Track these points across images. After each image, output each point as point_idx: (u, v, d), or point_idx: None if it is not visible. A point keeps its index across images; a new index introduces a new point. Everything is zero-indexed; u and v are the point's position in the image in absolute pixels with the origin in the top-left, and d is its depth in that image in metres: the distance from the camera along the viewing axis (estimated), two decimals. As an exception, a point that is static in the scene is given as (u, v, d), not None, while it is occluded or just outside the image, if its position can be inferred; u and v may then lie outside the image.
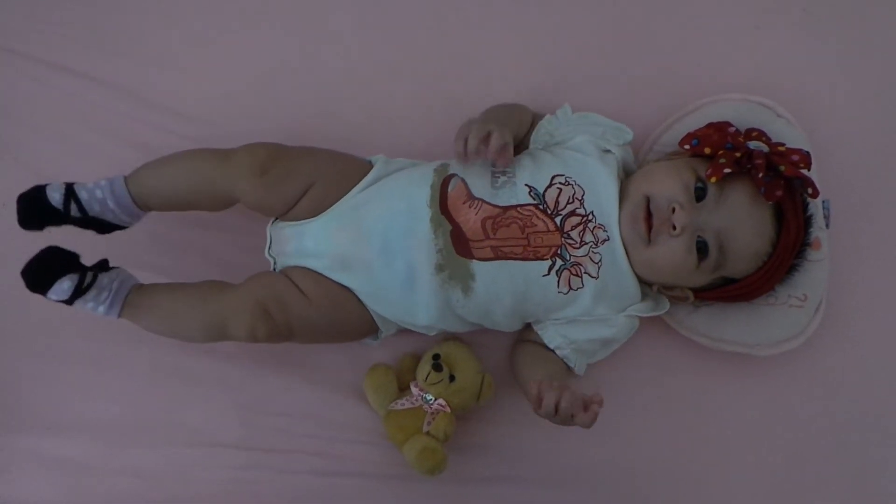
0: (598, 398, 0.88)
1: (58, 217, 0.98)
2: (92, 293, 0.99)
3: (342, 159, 1.06)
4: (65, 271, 0.97)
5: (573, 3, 1.22)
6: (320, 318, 1.02)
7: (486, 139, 0.95)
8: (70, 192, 0.98)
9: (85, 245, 1.02)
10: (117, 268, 1.03)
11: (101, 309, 1.00)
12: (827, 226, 1.11)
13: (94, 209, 0.99)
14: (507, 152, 0.96)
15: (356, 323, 1.06)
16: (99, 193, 0.99)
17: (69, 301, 0.98)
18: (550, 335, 1.06)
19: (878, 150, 1.20)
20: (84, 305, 0.99)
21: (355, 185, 1.03)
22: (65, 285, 0.97)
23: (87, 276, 0.98)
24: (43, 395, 1.13)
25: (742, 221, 0.97)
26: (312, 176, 1.02)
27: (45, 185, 0.99)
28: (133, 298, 1.02)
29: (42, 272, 0.97)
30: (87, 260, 1.01)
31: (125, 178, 1.01)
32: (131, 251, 1.10)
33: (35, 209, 0.97)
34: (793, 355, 1.12)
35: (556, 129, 1.09)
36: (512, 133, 1.01)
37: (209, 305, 1.01)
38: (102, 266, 1.02)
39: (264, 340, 1.00)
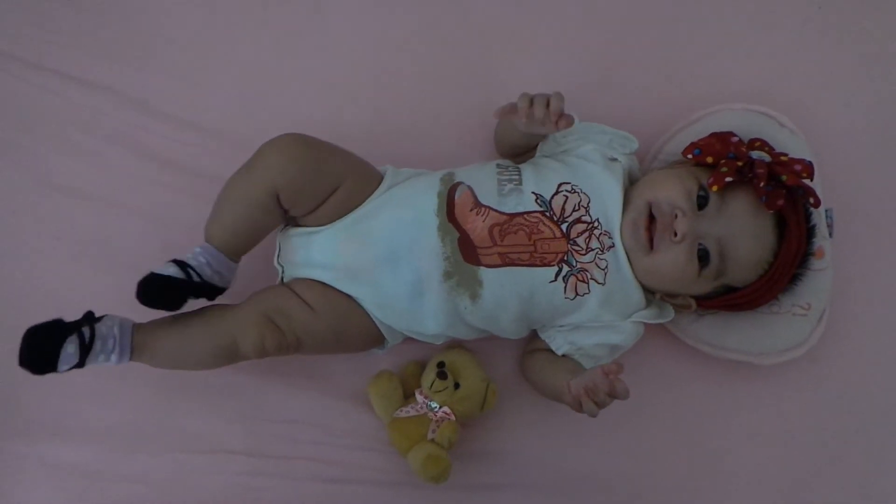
0: (616, 370, 0.88)
1: (181, 288, 0.96)
2: (98, 345, 0.95)
3: (364, 164, 1.06)
4: (62, 338, 0.93)
5: (578, 14, 1.23)
6: (326, 329, 1.03)
7: (547, 105, 0.93)
8: (181, 263, 0.97)
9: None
10: (105, 315, 0.99)
11: (114, 358, 0.97)
12: (830, 235, 1.11)
13: (206, 273, 0.99)
14: (568, 117, 0.94)
15: (362, 334, 1.06)
16: (202, 259, 0.99)
17: (80, 363, 0.95)
18: (558, 342, 1.06)
19: (881, 160, 1.22)
20: (96, 360, 0.96)
21: (371, 195, 1.03)
22: (69, 350, 0.93)
23: (85, 332, 0.94)
24: (48, 402, 1.13)
25: (743, 230, 0.97)
26: (342, 173, 1.01)
27: (154, 271, 0.96)
28: (139, 340, 0.99)
29: (41, 352, 0.93)
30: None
31: (207, 240, 1.01)
32: (143, 262, 1.10)
33: (163, 290, 0.95)
34: (796, 364, 1.13)
35: (564, 137, 1.09)
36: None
37: (215, 328, 1.01)
38: (90, 318, 0.97)
39: (273, 353, 1.00)
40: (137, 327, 1.00)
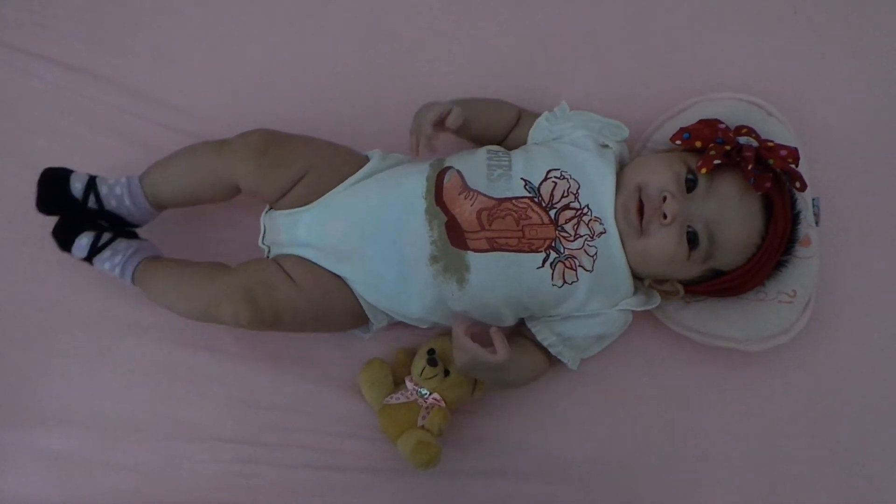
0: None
1: (73, 206, 1.04)
2: (107, 252, 1.05)
3: (338, 150, 1.08)
4: (81, 228, 1.04)
5: (568, 3, 1.23)
6: (308, 305, 1.03)
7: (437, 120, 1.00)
8: (91, 184, 1.04)
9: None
10: (143, 239, 1.09)
11: (117, 271, 1.06)
12: (816, 223, 1.12)
13: (111, 204, 1.05)
14: (453, 118, 1.00)
15: (345, 313, 1.07)
16: (118, 190, 1.04)
17: (89, 258, 1.05)
18: (544, 333, 1.07)
19: (867, 150, 1.22)
20: (102, 265, 1.05)
21: (350, 176, 1.05)
22: (83, 241, 1.04)
23: (104, 237, 1.04)
24: (38, 390, 1.13)
25: (732, 212, 0.98)
26: (308, 163, 1.03)
27: (72, 172, 1.04)
28: (143, 267, 1.07)
29: (63, 231, 1.04)
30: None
31: (139, 178, 1.06)
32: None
33: (55, 194, 1.04)
34: (782, 350, 1.14)
35: (555, 125, 1.10)
36: (475, 111, 1.06)
37: (201, 285, 1.04)
38: (127, 233, 1.08)
39: (247, 326, 1.01)
40: (147, 259, 1.08)
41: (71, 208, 1.04)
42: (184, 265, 1.08)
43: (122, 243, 1.06)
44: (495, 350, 0.97)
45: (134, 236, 1.09)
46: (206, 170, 1.05)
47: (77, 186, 1.04)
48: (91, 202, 1.04)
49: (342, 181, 1.04)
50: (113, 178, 1.05)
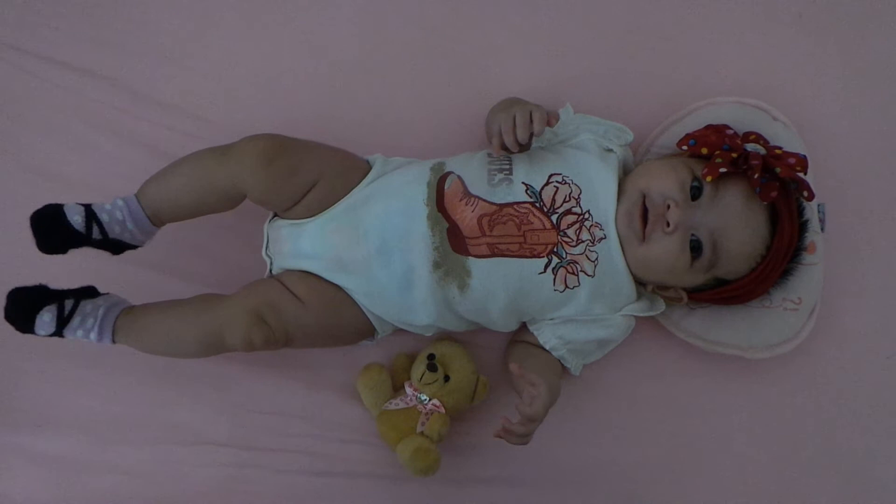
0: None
1: (78, 240, 0.95)
2: (76, 320, 0.97)
3: (345, 158, 1.06)
4: (39, 305, 0.95)
5: (572, 7, 1.22)
6: (316, 322, 1.02)
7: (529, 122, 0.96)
8: (90, 214, 0.96)
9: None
10: (105, 294, 1.02)
11: (93, 336, 0.98)
12: (822, 229, 1.11)
13: (115, 231, 0.97)
14: (552, 117, 0.97)
15: (352, 325, 1.06)
16: (119, 215, 0.97)
17: (58, 333, 0.97)
18: (546, 336, 1.06)
19: (873, 155, 1.21)
20: (74, 335, 0.98)
21: (356, 186, 1.03)
22: (45, 318, 0.95)
23: (67, 304, 0.96)
24: (33, 392, 1.13)
25: (737, 221, 0.97)
26: (317, 173, 1.01)
27: (62, 206, 0.96)
28: (123, 322, 1.00)
29: (18, 314, 0.95)
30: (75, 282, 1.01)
31: (136, 196, 1.00)
32: (130, 253, 1.09)
33: (56, 232, 0.94)
34: (787, 358, 1.13)
35: (559, 127, 1.09)
36: None
37: (203, 318, 1.00)
38: (88, 293, 1.00)
39: (261, 348, 0.99)
40: (126, 311, 1.01)
41: (74, 243, 0.96)
42: (170, 304, 1.02)
43: (87, 305, 0.98)
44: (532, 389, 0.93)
45: (94, 294, 1.01)
46: (209, 180, 0.99)
47: (76, 220, 0.95)
48: (95, 233, 0.96)
49: (351, 189, 1.02)
50: (109, 203, 0.98)
